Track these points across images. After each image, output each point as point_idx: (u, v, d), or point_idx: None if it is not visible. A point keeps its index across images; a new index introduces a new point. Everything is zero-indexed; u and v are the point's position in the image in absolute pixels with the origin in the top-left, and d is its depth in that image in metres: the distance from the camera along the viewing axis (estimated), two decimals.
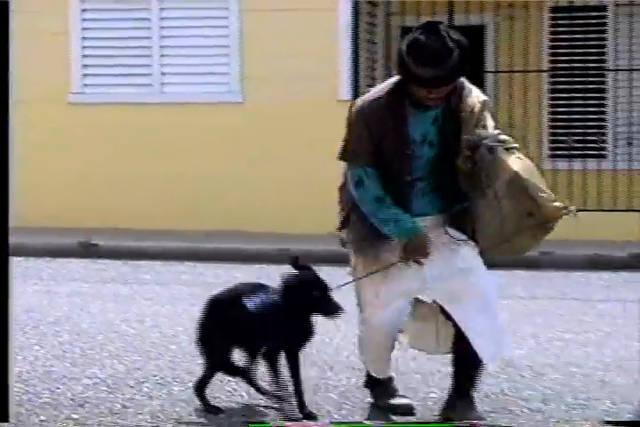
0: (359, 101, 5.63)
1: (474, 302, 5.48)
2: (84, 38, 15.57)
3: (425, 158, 5.46)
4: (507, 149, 5.28)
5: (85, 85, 15.59)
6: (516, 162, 5.25)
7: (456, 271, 5.51)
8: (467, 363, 5.62)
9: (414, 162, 5.43)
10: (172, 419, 5.94)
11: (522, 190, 5.18)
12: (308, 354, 6.26)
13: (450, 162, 5.37)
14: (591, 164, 15.47)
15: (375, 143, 5.44)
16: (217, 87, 15.48)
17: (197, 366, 7.10)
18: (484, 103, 5.45)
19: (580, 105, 15.88)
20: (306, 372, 6.21)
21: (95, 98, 15.51)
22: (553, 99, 16.03)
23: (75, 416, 5.90)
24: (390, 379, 5.99)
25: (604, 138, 15.92)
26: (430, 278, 5.52)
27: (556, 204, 5.24)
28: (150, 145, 15.15)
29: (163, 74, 15.55)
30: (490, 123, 5.48)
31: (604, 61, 15.89)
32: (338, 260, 13.11)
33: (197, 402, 6.27)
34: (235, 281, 11.35)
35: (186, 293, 10.50)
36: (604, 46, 15.81)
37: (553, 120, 16.08)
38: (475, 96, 5.44)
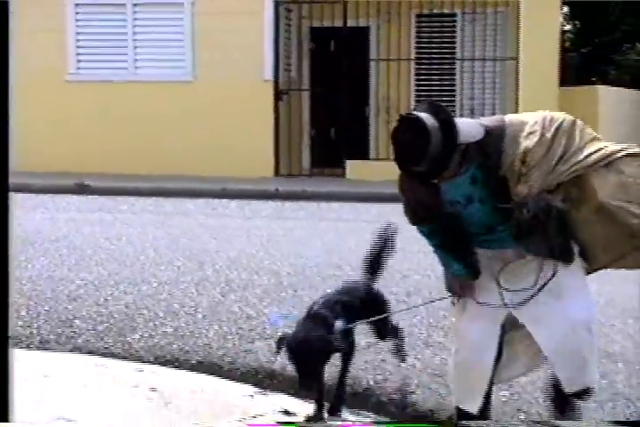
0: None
1: (558, 325, 3.65)
2: (77, 33, 15.70)
3: (481, 214, 3.63)
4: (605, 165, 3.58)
5: (78, 68, 15.66)
6: (604, 185, 3.53)
7: (545, 292, 3.65)
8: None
9: (468, 219, 3.67)
10: (142, 309, 5.95)
11: (612, 217, 3.53)
12: None
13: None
14: None
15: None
16: (175, 70, 15.81)
17: (160, 271, 7.16)
18: (526, 153, 3.48)
19: (437, 84, 16.01)
20: None
21: (84, 77, 15.55)
22: (418, 80, 16.11)
23: (69, 307, 5.90)
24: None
25: (454, 109, 16.03)
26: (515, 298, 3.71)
27: None
28: (125, 112, 15.32)
29: (135, 60, 15.77)
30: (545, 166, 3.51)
31: (454, 53, 15.99)
32: (264, 196, 13.35)
33: (165, 297, 6.27)
34: (185, 211, 11.53)
35: (151, 219, 10.52)
36: (454, 42, 15.90)
37: (418, 96, 16.16)
38: (517, 145, 3.50)
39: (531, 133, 3.52)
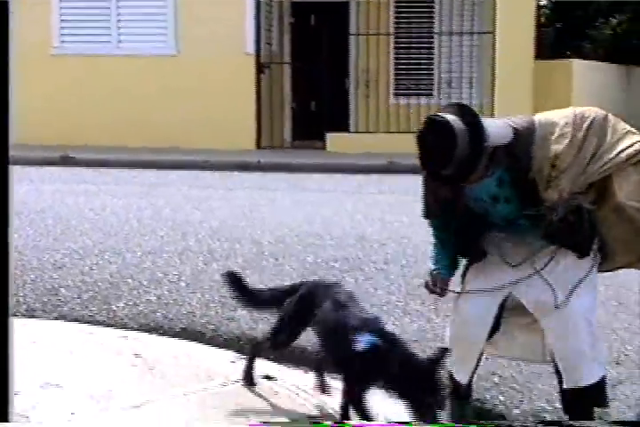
0: None
1: (558, 322, 3.45)
2: (61, 8, 15.54)
3: (506, 211, 3.46)
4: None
5: (62, 42, 15.51)
6: (625, 184, 3.37)
7: (551, 280, 3.45)
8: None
9: (491, 215, 3.51)
10: (126, 277, 5.94)
11: (630, 218, 3.36)
12: None
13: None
14: (423, 100, 15.61)
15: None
16: (158, 44, 15.72)
17: (144, 241, 7.14)
18: (557, 157, 3.30)
19: (415, 58, 15.98)
20: None
21: (69, 51, 15.41)
22: (397, 54, 16.06)
23: (55, 276, 5.88)
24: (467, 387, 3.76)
25: (432, 82, 16.01)
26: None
27: None
28: (109, 86, 15.25)
29: (119, 34, 15.65)
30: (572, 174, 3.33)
31: (432, 27, 15.93)
32: (246, 168, 13.32)
33: (149, 266, 6.25)
34: (168, 183, 11.49)
35: (135, 190, 10.49)
36: (432, 16, 15.85)
37: (397, 70, 16.13)
38: (547, 149, 3.32)
39: (561, 136, 3.33)
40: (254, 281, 5.81)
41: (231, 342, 4.78)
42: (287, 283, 5.72)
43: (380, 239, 7.23)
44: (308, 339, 4.73)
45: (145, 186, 10.98)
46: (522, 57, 14.90)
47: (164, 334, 4.87)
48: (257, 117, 15.74)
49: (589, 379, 3.43)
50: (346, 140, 15.43)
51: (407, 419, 3.37)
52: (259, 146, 15.79)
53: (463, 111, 3.22)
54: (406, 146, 14.71)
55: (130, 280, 5.88)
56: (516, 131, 3.32)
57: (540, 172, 3.29)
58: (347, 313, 3.62)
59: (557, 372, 3.51)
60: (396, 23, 15.93)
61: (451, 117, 3.18)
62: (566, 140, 3.31)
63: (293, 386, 4.00)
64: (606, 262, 3.51)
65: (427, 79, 15.99)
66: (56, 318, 5.13)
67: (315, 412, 3.70)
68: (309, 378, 4.26)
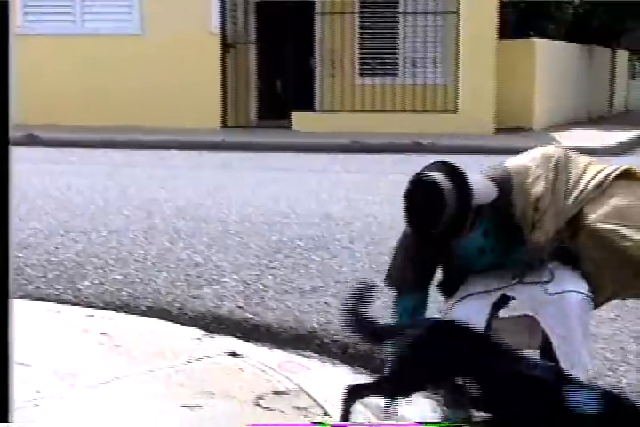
0: None
1: (552, 310, 3.31)
2: None
3: (490, 261, 3.41)
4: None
5: (26, 21, 15.37)
6: (595, 209, 3.36)
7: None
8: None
9: (475, 268, 3.43)
10: (92, 256, 5.92)
11: (605, 242, 3.32)
12: None
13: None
14: (388, 79, 15.65)
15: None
16: (122, 23, 15.62)
17: (110, 220, 7.11)
18: (538, 200, 3.30)
19: (380, 38, 15.98)
20: None
21: (33, 31, 15.25)
22: (362, 33, 16.05)
23: (19, 255, 5.84)
24: None
25: (397, 61, 16.02)
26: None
27: None
28: (73, 65, 15.15)
29: (83, 13, 15.55)
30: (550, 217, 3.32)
31: (397, 7, 15.93)
32: (212, 147, 13.29)
33: (114, 245, 6.24)
34: (134, 162, 11.43)
35: (100, 170, 10.45)
36: None
37: (362, 48, 16.12)
38: (526, 194, 3.32)
39: (536, 179, 3.33)
40: (220, 259, 5.83)
41: (197, 320, 4.77)
42: (252, 261, 5.77)
43: (345, 218, 7.24)
44: (274, 315, 4.76)
45: (110, 166, 10.93)
46: (485, 37, 14.94)
47: (130, 312, 4.85)
48: (222, 97, 15.69)
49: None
50: (311, 120, 15.42)
51: None
52: (224, 125, 15.75)
53: (449, 170, 3.18)
54: (371, 125, 14.93)
55: (95, 259, 5.85)
56: (497, 185, 3.31)
57: (524, 217, 3.31)
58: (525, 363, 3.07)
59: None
60: (362, 2, 15.90)
61: (438, 176, 3.14)
62: (542, 183, 3.33)
63: (259, 363, 4.00)
64: (597, 295, 3.39)
65: (391, 59, 15.99)
66: (21, 297, 5.10)
67: (280, 388, 3.70)
68: (275, 355, 4.28)
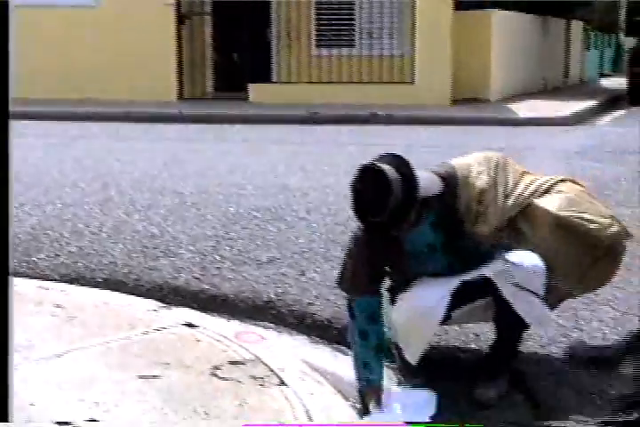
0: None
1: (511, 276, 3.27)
2: None
3: (443, 255, 3.45)
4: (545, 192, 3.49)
5: None
6: (553, 202, 3.45)
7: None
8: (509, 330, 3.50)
9: (434, 264, 3.47)
10: (47, 229, 5.86)
11: (571, 229, 3.40)
12: None
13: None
14: (344, 50, 15.61)
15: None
16: None
17: (65, 193, 7.04)
18: (482, 192, 3.38)
19: (336, 9, 15.91)
20: None
21: None
22: (318, 4, 15.96)
23: None
24: None
25: (354, 32, 15.96)
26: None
27: (613, 229, 3.47)
28: (28, 37, 14.94)
29: None
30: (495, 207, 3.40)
31: None
32: (168, 119, 13.19)
33: (70, 217, 6.18)
34: (90, 135, 11.32)
35: (56, 142, 10.35)
36: None
37: (318, 20, 16.04)
38: (470, 187, 3.41)
39: (479, 173, 3.43)
40: (176, 231, 5.80)
41: (153, 292, 4.75)
42: (209, 233, 5.75)
43: (302, 188, 7.22)
44: (231, 286, 4.75)
45: (66, 138, 10.82)
46: (441, 8, 14.92)
47: (85, 284, 4.82)
48: (178, 69, 15.56)
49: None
50: (268, 91, 15.35)
51: None
52: (181, 97, 15.64)
53: (397, 162, 3.22)
54: (328, 96, 14.88)
55: (50, 232, 5.80)
56: (442, 179, 3.37)
57: (467, 210, 3.38)
58: None
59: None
60: None
61: (386, 167, 3.18)
62: (485, 177, 3.43)
63: (216, 333, 3.99)
64: (553, 294, 3.41)
65: (348, 30, 15.92)
66: None
67: (237, 358, 3.70)
68: (232, 326, 4.28)
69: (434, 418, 3.26)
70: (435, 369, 3.65)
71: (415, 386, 3.54)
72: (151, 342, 3.81)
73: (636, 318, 4.18)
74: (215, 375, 3.49)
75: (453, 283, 3.37)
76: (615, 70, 31.64)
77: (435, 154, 8.93)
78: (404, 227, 3.28)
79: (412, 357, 3.47)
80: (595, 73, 28.55)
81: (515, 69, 17.56)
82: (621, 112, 15.72)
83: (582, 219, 3.42)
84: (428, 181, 3.30)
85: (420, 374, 3.60)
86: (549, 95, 17.89)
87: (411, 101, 14.32)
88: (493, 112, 13.96)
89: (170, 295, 4.72)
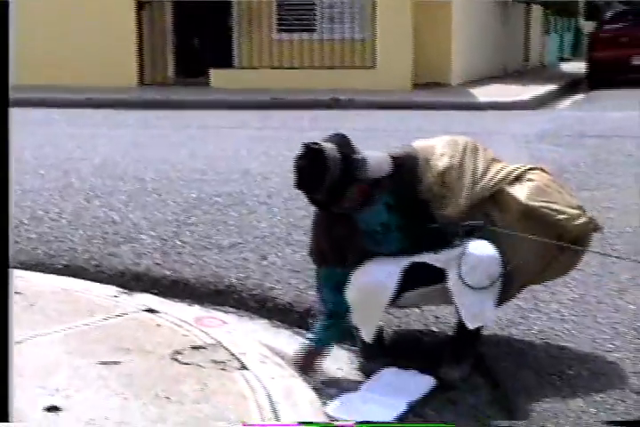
0: None
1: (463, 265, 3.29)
2: None
3: (398, 241, 3.47)
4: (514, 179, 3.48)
5: None
6: (523, 190, 3.44)
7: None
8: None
9: (388, 244, 3.48)
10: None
11: (538, 218, 3.41)
12: None
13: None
14: (305, 35, 15.57)
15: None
16: None
17: (25, 179, 6.97)
18: (443, 173, 3.37)
19: None
20: None
21: None
22: None
23: None
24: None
25: (315, 17, 15.93)
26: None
27: (581, 220, 3.47)
28: None
29: None
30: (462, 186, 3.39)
31: None
32: (129, 105, 13.10)
33: (29, 204, 6.12)
34: (50, 121, 11.21)
35: (16, 129, 10.17)
36: None
37: (279, 5, 15.99)
38: (432, 168, 3.38)
39: (442, 155, 3.41)
40: (137, 217, 5.77)
41: (114, 278, 4.73)
42: (170, 218, 5.73)
43: (263, 173, 7.21)
44: (192, 271, 4.74)
45: (26, 124, 10.68)
46: None
47: (45, 271, 4.78)
48: (139, 54, 15.45)
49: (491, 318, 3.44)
50: (230, 77, 15.29)
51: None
52: (142, 83, 15.54)
53: (341, 141, 3.24)
54: (290, 81, 14.87)
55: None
56: (398, 159, 3.36)
57: (430, 191, 3.36)
58: None
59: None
60: None
61: (328, 146, 3.20)
62: (447, 159, 3.40)
63: (177, 318, 3.98)
64: (517, 280, 3.44)
65: (309, 14, 15.89)
66: None
67: (198, 343, 3.69)
68: (193, 311, 4.27)
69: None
70: (396, 352, 3.67)
71: (375, 369, 3.56)
72: (112, 328, 3.79)
73: (594, 300, 4.23)
74: (176, 360, 3.48)
75: (405, 261, 3.41)
76: (575, 54, 31.83)
77: (395, 138, 8.94)
78: (344, 205, 3.30)
79: (367, 335, 3.51)
80: (554, 57, 28.71)
81: (475, 54, 17.62)
82: (581, 96, 15.83)
83: (551, 209, 3.42)
84: (377, 162, 3.30)
85: (381, 357, 3.63)
86: (510, 79, 17.97)
87: (372, 86, 14.33)
88: (454, 96, 14.00)
89: (131, 281, 4.70)
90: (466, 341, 3.54)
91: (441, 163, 3.39)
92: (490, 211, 3.44)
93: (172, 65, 16.60)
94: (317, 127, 10.45)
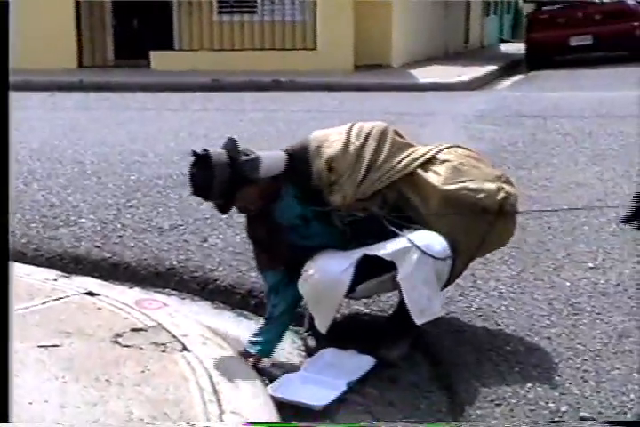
0: None
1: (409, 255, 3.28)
2: None
3: (323, 226, 3.50)
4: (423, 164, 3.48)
5: None
6: (436, 175, 3.45)
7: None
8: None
9: (319, 237, 3.51)
10: None
11: (460, 201, 3.41)
12: None
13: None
14: (246, 17, 15.49)
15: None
16: None
17: None
18: (331, 160, 3.37)
19: None
20: None
21: None
22: None
23: None
24: None
25: (256, 10, 15.84)
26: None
27: (501, 195, 3.46)
28: None
29: None
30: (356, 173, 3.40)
31: None
32: (68, 87, 12.93)
33: None
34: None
35: None
36: None
37: None
38: (321, 155, 3.40)
39: (334, 142, 3.43)
40: (76, 200, 5.71)
41: (54, 261, 4.69)
42: (110, 201, 5.68)
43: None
44: (132, 254, 4.71)
45: None
46: None
47: None
48: (77, 36, 15.25)
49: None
50: (170, 59, 15.17)
51: None
52: (80, 65, 15.34)
53: (230, 146, 3.33)
54: (231, 63, 14.76)
55: None
56: (292, 152, 3.44)
57: (319, 178, 3.39)
58: None
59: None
60: None
61: (217, 151, 3.31)
62: (339, 145, 3.41)
63: (117, 301, 3.96)
64: (460, 257, 3.45)
65: (250, 8, 15.78)
66: None
67: (139, 325, 3.68)
68: (134, 293, 4.25)
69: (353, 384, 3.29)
70: (337, 333, 3.68)
71: (316, 350, 3.58)
72: (51, 312, 3.76)
73: (532, 277, 4.29)
74: (117, 343, 3.47)
75: (356, 255, 3.39)
76: (514, 36, 32.06)
77: (336, 120, 8.94)
78: (245, 207, 3.46)
79: (322, 326, 3.51)
80: (494, 39, 28.89)
81: (416, 35, 17.67)
82: (520, 77, 15.96)
83: (469, 189, 3.42)
84: (270, 161, 3.37)
85: (324, 338, 3.64)
86: (450, 61, 18.05)
87: (313, 68, 14.31)
88: (395, 78, 14.04)
89: (70, 264, 4.67)
90: (403, 320, 3.55)
91: (330, 150, 3.41)
92: (410, 196, 3.44)
93: (112, 47, 16.42)
94: (259, 109, 10.43)
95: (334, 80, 13.31)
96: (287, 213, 3.49)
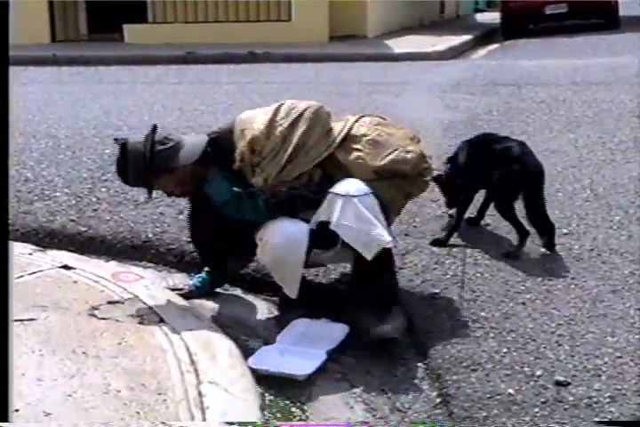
0: None
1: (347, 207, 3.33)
2: None
3: (259, 202, 3.49)
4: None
5: None
6: (361, 152, 3.49)
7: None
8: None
9: (258, 211, 3.50)
10: None
11: (390, 172, 3.47)
12: None
13: None
14: None
15: None
16: None
17: None
18: (253, 141, 3.43)
19: None
20: None
21: None
22: None
23: None
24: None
25: None
26: None
27: (423, 165, 3.58)
28: None
29: None
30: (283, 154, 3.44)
31: None
32: (41, 62, 12.82)
33: None
34: None
35: None
36: None
37: None
38: (244, 137, 3.46)
39: (257, 123, 3.46)
40: (51, 174, 5.68)
41: (29, 236, 4.67)
42: (85, 175, 5.65)
43: (178, 128, 7.08)
44: (108, 227, 4.70)
45: None
46: None
47: None
48: (50, 10, 15.09)
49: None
50: (144, 32, 15.06)
51: None
52: (53, 39, 15.21)
53: (149, 135, 3.46)
54: (205, 36, 14.66)
55: None
56: (219, 133, 3.58)
57: (242, 160, 3.45)
58: None
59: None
60: None
61: (133, 140, 3.48)
62: (262, 127, 3.44)
63: (93, 274, 3.95)
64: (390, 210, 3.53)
65: None
66: None
67: (115, 298, 3.67)
68: (110, 266, 4.24)
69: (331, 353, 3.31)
70: (310, 302, 3.69)
71: (290, 320, 3.58)
72: (26, 286, 3.75)
73: (507, 243, 4.31)
74: (93, 316, 3.46)
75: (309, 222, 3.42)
76: (490, 5, 31.96)
77: (311, 91, 8.93)
78: (165, 191, 3.66)
79: (290, 292, 3.53)
80: (470, 8, 28.81)
81: (391, 6, 17.57)
82: (495, 46, 15.92)
83: (395, 161, 3.48)
84: (190, 147, 3.50)
85: (298, 308, 3.65)
86: (426, 31, 17.97)
87: (288, 39, 14.23)
88: (370, 48, 13.98)
89: (46, 239, 4.65)
90: (377, 293, 3.49)
91: (252, 131, 3.44)
92: (335, 175, 3.45)
93: (85, 21, 16.26)
94: (234, 81, 10.37)
95: (310, 51, 13.24)
96: (220, 191, 3.53)
